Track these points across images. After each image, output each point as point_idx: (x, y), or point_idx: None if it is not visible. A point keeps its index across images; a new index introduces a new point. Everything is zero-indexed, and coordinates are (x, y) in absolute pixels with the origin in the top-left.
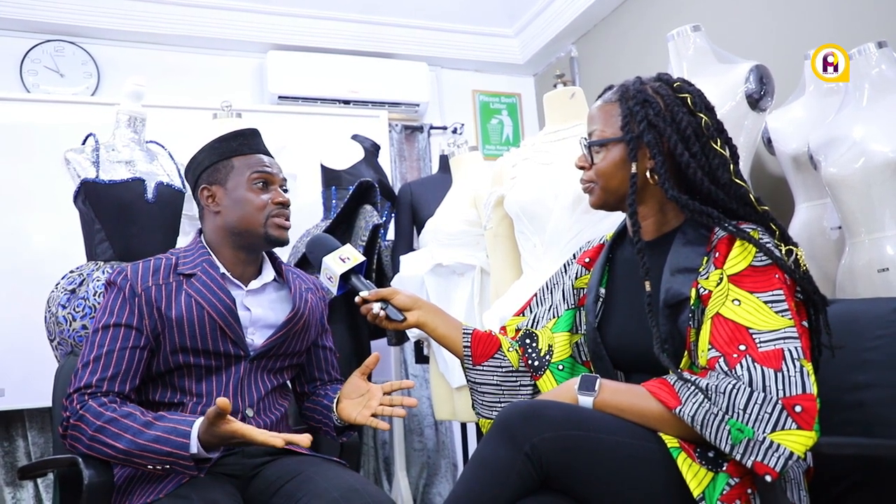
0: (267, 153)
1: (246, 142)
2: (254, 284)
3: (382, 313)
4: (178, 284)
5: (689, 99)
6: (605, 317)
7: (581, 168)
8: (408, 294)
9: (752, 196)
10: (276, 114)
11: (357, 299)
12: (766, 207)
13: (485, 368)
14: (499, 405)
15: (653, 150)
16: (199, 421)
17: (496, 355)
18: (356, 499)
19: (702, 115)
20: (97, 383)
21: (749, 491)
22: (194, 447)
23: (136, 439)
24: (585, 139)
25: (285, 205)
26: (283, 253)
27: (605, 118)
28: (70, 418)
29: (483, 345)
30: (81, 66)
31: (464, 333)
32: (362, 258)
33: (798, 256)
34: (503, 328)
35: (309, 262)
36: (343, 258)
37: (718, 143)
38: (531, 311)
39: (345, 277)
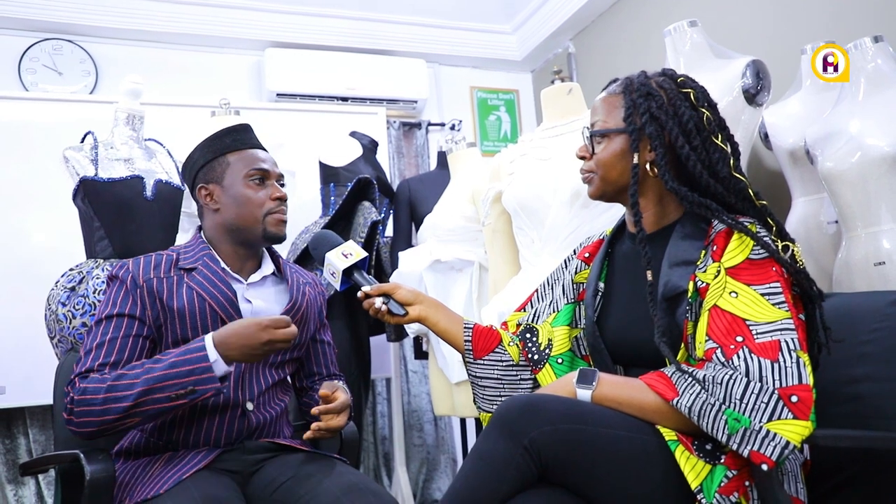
0: (261, 147)
1: (239, 137)
2: (254, 277)
3: (384, 308)
4: (179, 278)
5: (691, 94)
6: (603, 311)
7: (582, 158)
8: (409, 289)
9: (750, 191)
10: (274, 111)
11: (359, 294)
12: (765, 202)
13: (485, 362)
14: (499, 399)
15: (654, 143)
16: (209, 335)
17: (497, 349)
18: (356, 495)
19: (704, 110)
20: (98, 368)
21: (747, 483)
22: (213, 354)
23: (151, 375)
24: (587, 129)
25: (283, 200)
26: (282, 250)
27: (608, 109)
28: (74, 398)
29: (484, 339)
30: (79, 64)
31: (465, 328)
32: (364, 254)
33: (794, 252)
34: (504, 323)
35: (308, 258)
36: (345, 254)
37: (719, 139)
38: (532, 307)
39: (347, 273)
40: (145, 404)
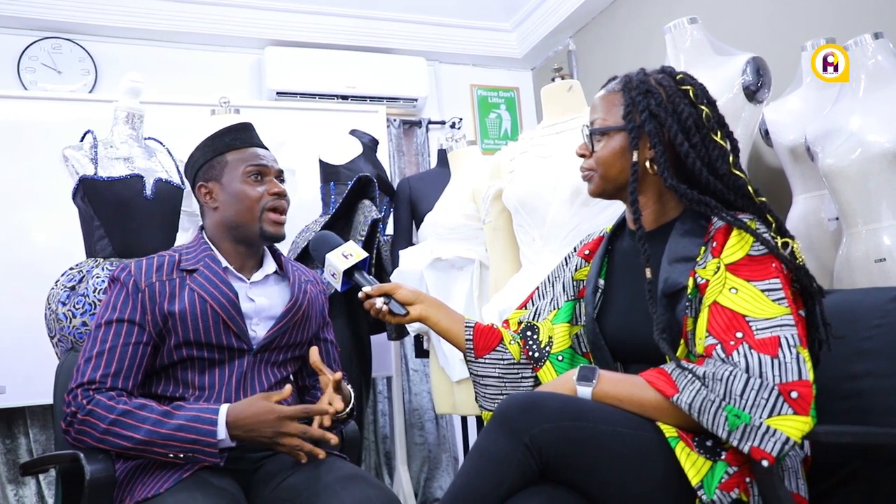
0: (261, 146)
1: (238, 136)
2: (256, 276)
3: (385, 308)
4: (181, 280)
5: (691, 91)
6: (603, 308)
7: (581, 156)
8: (410, 289)
9: (750, 187)
10: (274, 109)
11: (360, 295)
12: (764, 199)
13: (487, 361)
14: (501, 397)
15: (653, 140)
16: (224, 407)
17: (498, 348)
18: (356, 489)
19: (703, 107)
20: (101, 379)
21: (747, 479)
22: (222, 433)
23: (158, 429)
24: (587, 127)
25: (281, 195)
26: (283, 248)
27: (607, 107)
28: (77, 413)
29: (485, 338)
30: (79, 63)
31: (466, 327)
32: (365, 254)
33: (794, 249)
34: (506, 321)
35: (309, 256)
36: (346, 255)
37: (719, 135)
38: (533, 305)
39: (348, 273)
40: (142, 452)
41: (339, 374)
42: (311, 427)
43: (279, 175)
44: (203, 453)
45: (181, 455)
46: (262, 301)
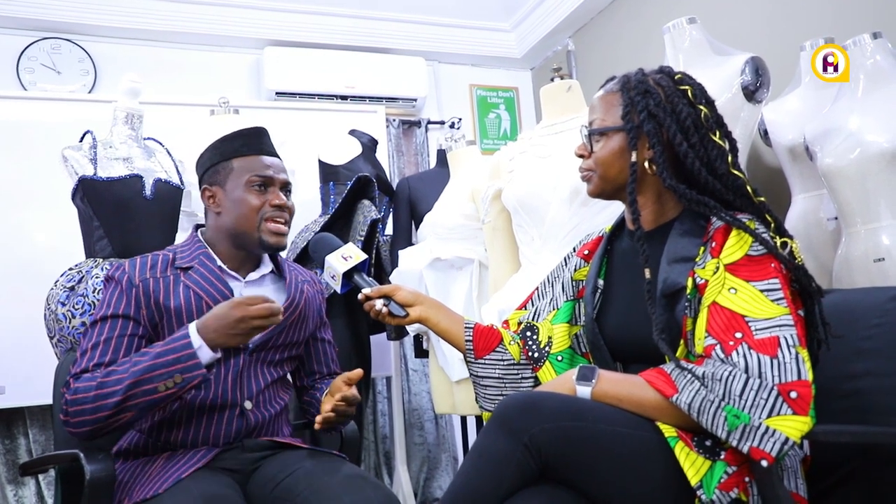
0: (271, 153)
1: (248, 142)
2: (252, 276)
3: (385, 310)
4: (175, 277)
5: (689, 91)
6: (603, 308)
7: (580, 156)
8: (409, 290)
9: (749, 187)
10: (273, 110)
11: (360, 296)
12: (763, 199)
13: (486, 362)
14: (501, 398)
15: (652, 140)
16: (192, 323)
17: (498, 349)
18: (356, 489)
19: (702, 107)
20: (93, 368)
21: (747, 479)
22: (197, 340)
23: (138, 367)
24: (586, 127)
25: (282, 207)
26: None
27: (606, 107)
28: (67, 399)
29: (485, 338)
30: (78, 63)
31: (465, 328)
32: (364, 256)
33: (793, 249)
34: (505, 322)
35: (308, 256)
36: (345, 256)
37: (717, 135)
38: (533, 305)
39: (347, 275)
40: (135, 397)
41: (359, 371)
42: (264, 296)
43: (285, 186)
44: (188, 370)
45: (170, 383)
46: None
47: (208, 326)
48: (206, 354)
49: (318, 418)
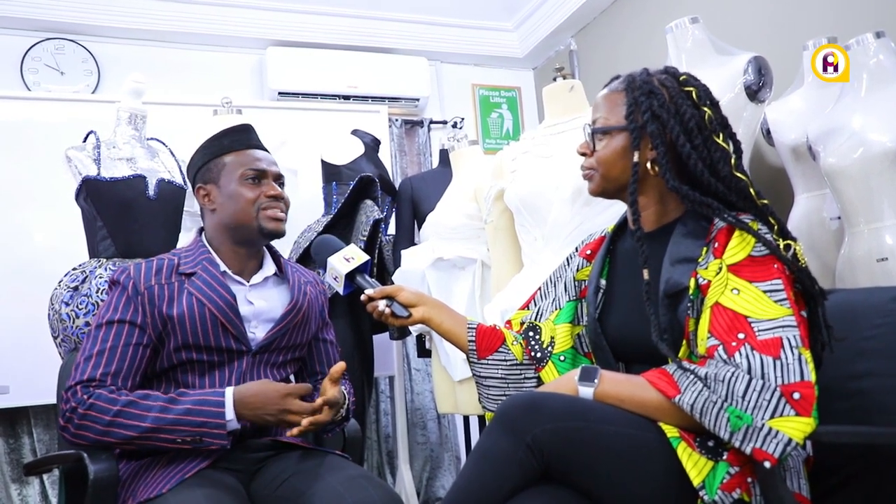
0: (260, 147)
1: (237, 138)
2: (255, 279)
3: (388, 310)
4: (179, 284)
5: (694, 92)
6: (605, 308)
7: (583, 154)
8: (412, 290)
9: (752, 190)
10: (276, 110)
11: (363, 297)
12: (766, 201)
13: (489, 362)
14: (504, 398)
15: (655, 141)
16: (230, 389)
17: (500, 349)
18: (358, 488)
19: (706, 108)
20: (101, 377)
21: (749, 479)
22: (230, 413)
23: (164, 415)
24: (589, 125)
25: (277, 198)
26: (284, 248)
27: (609, 106)
28: (77, 408)
29: (488, 339)
30: (82, 63)
31: (468, 328)
32: (366, 257)
33: (796, 251)
34: (508, 322)
35: (311, 256)
36: (347, 258)
37: (721, 137)
38: (535, 305)
39: (350, 276)
40: (149, 440)
41: (342, 364)
42: (314, 403)
43: (278, 178)
44: (211, 436)
45: (188, 440)
46: (261, 304)
47: (246, 404)
48: (233, 425)
49: (294, 431)
